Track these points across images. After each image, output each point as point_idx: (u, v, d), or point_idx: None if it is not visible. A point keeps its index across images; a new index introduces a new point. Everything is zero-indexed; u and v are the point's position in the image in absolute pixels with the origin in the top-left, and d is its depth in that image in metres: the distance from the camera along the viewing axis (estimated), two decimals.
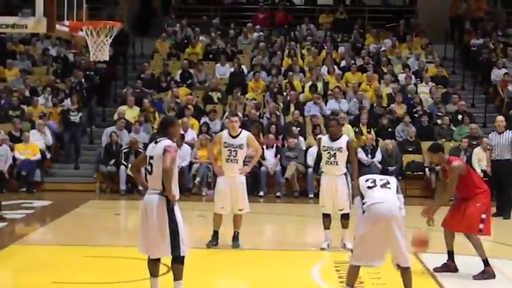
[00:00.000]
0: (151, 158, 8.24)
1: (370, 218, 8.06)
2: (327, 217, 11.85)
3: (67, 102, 21.30)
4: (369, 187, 8.24)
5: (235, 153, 11.66)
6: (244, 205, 11.80)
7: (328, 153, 11.65)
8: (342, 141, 11.67)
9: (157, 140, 8.32)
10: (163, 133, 8.42)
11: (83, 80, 22.34)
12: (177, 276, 8.25)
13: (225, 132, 12.00)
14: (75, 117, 20.82)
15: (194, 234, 12.33)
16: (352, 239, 9.40)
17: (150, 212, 8.17)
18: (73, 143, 20.79)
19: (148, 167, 8.25)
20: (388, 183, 8.32)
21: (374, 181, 8.34)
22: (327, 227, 11.89)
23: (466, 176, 9.87)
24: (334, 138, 11.71)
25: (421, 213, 10.03)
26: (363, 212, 8.15)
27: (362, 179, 8.44)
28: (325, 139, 11.83)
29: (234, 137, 11.69)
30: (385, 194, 8.17)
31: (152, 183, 8.25)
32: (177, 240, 8.15)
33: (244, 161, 11.95)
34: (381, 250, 8.13)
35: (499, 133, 15.76)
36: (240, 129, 11.85)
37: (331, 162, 11.67)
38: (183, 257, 8.20)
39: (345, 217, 11.72)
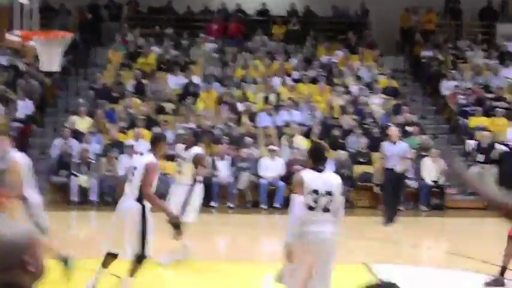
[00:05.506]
0: (135, 168, 8.73)
1: (304, 248, 7.24)
2: None
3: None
4: (310, 207, 7.27)
5: None
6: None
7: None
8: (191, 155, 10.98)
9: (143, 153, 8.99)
10: (152, 148, 9.05)
11: None
12: (132, 274, 8.67)
13: None
14: None
15: None
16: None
17: (125, 214, 8.67)
18: None
19: (130, 176, 8.75)
20: (331, 201, 7.32)
21: (317, 195, 7.30)
22: None
23: None
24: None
25: None
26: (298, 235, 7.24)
27: (309, 179, 7.32)
28: None
29: None
30: (324, 221, 7.33)
31: (130, 190, 8.68)
32: (145, 241, 8.55)
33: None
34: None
35: (393, 143, 16.15)
36: None
37: None
38: (145, 257, 8.60)
39: None
